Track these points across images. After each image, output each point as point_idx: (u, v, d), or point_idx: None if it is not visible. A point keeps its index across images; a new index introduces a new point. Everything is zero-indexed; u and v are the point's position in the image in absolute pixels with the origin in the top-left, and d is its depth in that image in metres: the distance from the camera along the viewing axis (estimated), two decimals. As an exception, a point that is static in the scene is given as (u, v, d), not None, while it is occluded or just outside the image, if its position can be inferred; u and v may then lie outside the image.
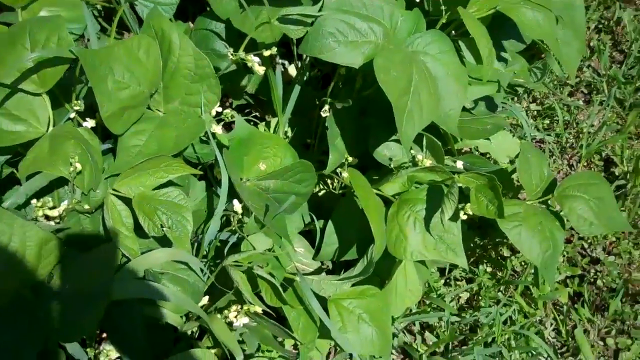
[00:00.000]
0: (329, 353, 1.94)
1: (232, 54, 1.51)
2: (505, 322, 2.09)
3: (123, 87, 1.41)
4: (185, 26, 1.78)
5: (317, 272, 1.72)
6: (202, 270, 1.47)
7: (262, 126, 1.92)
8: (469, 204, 1.56)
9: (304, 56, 1.74)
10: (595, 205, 1.73)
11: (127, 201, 1.40)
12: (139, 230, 1.40)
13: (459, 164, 1.70)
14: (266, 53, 1.52)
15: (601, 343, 2.13)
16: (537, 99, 2.73)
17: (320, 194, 1.86)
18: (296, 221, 1.78)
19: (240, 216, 1.50)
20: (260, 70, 1.51)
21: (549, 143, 2.59)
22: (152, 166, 1.38)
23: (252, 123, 1.90)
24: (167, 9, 1.65)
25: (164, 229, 1.36)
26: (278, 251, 1.54)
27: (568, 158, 2.59)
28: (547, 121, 2.67)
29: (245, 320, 1.41)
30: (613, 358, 2.10)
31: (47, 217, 1.34)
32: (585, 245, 2.34)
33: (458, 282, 2.19)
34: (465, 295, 2.17)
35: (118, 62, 1.40)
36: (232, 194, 1.48)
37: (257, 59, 1.50)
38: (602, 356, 2.10)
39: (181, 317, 1.46)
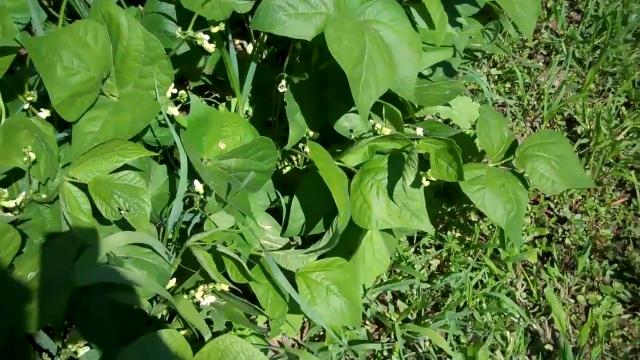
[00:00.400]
0: (303, 327, 1.94)
1: (180, 33, 1.49)
2: (476, 286, 2.11)
3: (73, 73, 1.39)
4: (136, 10, 1.76)
5: (286, 248, 1.72)
6: (167, 253, 1.46)
7: (222, 107, 1.91)
8: (430, 170, 1.56)
9: (261, 34, 1.73)
10: (556, 164, 1.74)
11: (83, 187, 1.38)
12: (100, 217, 1.39)
13: (419, 131, 1.70)
14: (214, 29, 1.50)
15: (572, 300, 2.16)
16: (497, 64, 2.74)
17: (285, 170, 1.86)
18: (262, 199, 1.78)
19: (202, 196, 1.49)
20: (210, 47, 1.49)
21: (511, 106, 2.61)
22: (106, 150, 1.37)
23: (212, 104, 1.89)
24: (115, -8, 1.63)
25: (122, 212, 1.35)
26: (242, 228, 1.53)
27: (531, 120, 2.62)
28: (508, 85, 2.69)
29: (212, 299, 1.41)
30: (584, 314, 2.13)
31: (5, 209, 1.33)
32: (552, 205, 2.36)
33: (427, 250, 2.20)
34: (435, 262, 2.18)
35: (65, 49, 1.38)
36: (194, 175, 1.47)
37: (206, 37, 1.49)
38: (574, 313, 2.13)
39: (150, 300, 1.46)
